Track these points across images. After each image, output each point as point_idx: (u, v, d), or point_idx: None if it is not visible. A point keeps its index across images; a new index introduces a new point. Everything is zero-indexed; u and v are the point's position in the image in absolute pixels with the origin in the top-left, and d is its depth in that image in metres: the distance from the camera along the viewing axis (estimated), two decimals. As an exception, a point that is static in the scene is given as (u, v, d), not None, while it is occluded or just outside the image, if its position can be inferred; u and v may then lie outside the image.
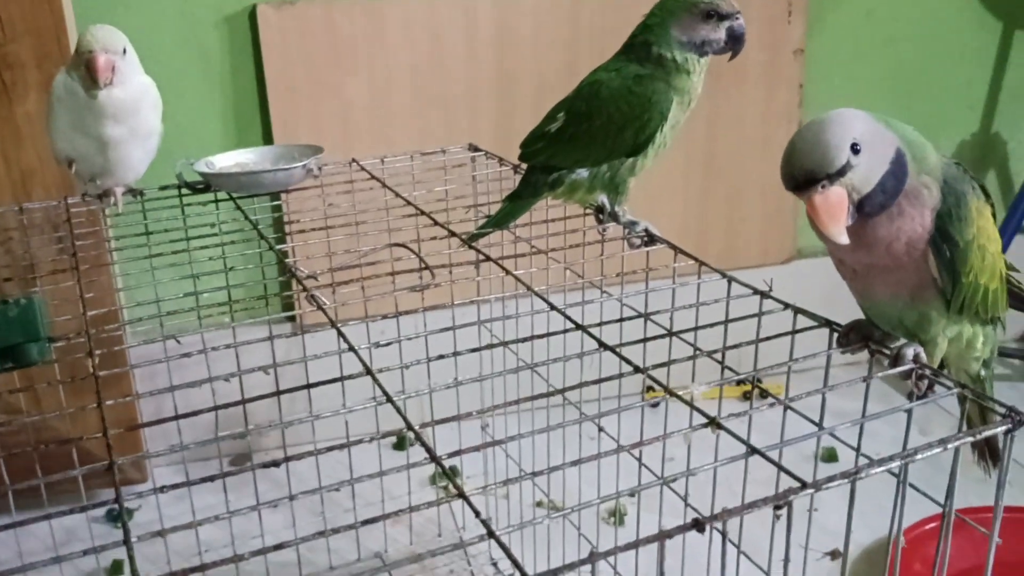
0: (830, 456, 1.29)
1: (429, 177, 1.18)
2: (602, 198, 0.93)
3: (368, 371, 0.63)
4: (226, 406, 0.71)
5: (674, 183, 1.62)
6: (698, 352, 0.74)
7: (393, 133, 1.48)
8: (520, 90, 1.51)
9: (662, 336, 0.78)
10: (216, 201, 1.08)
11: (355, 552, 1.27)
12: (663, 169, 1.64)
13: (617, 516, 1.35)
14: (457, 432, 0.72)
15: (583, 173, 0.90)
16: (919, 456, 0.55)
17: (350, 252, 0.89)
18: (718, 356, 0.74)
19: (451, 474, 0.53)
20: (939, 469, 0.60)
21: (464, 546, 1.31)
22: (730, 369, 0.74)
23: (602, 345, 0.70)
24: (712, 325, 0.78)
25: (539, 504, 1.37)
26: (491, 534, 0.48)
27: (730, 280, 0.82)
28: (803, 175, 0.61)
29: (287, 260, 0.80)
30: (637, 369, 0.66)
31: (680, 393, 0.63)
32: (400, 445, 1.52)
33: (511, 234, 1.02)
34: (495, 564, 1.29)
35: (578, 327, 0.72)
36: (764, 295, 0.78)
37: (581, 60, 1.50)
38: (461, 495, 0.51)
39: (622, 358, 0.67)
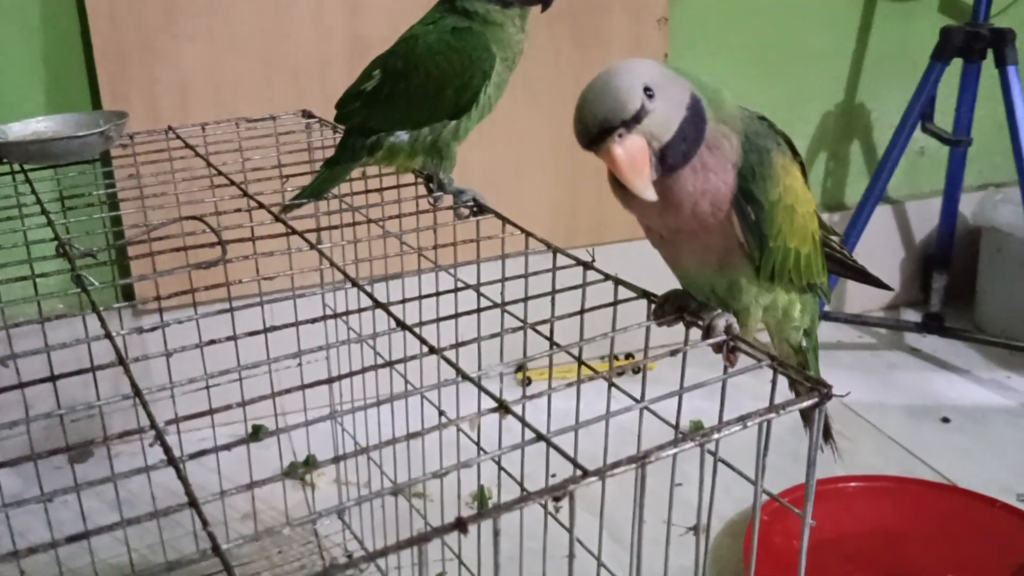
0: (696, 426, 1.27)
1: (260, 146, 1.10)
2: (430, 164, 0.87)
3: (122, 361, 0.55)
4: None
5: (542, 157, 1.56)
6: (527, 327, 0.69)
7: (238, 104, 1.39)
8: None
9: (488, 308, 0.73)
10: (12, 173, 0.97)
11: (194, 546, 1.18)
12: (531, 142, 1.59)
13: (482, 499, 1.31)
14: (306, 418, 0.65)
15: (403, 136, 0.83)
16: (716, 436, 0.50)
17: (137, 226, 0.81)
18: (545, 331, 0.69)
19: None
20: (796, 434, 0.56)
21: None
22: (557, 345, 0.69)
23: (401, 325, 0.63)
24: (536, 296, 0.74)
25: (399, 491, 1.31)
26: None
27: (556, 251, 0.77)
28: (597, 125, 0.55)
29: (64, 237, 0.71)
30: (432, 350, 0.60)
31: (474, 375, 0.57)
32: (255, 435, 1.44)
33: (343, 204, 0.95)
34: (350, 556, 1.22)
35: (378, 305, 0.66)
36: (587, 266, 0.74)
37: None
38: (193, 504, 0.44)
39: (419, 339, 0.62)
